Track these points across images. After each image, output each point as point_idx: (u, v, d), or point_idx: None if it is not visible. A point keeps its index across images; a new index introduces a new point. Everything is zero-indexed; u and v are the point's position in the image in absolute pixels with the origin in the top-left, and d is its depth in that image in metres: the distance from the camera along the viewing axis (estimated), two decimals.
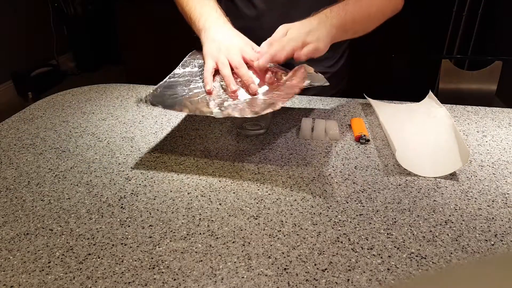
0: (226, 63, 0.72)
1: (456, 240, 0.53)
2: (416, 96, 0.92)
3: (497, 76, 1.43)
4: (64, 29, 3.45)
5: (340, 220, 0.56)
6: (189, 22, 0.85)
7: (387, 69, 2.42)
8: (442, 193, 0.62)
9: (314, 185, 0.64)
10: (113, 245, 0.52)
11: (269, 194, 0.62)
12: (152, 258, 0.50)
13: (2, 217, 0.58)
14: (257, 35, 0.95)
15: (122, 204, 0.60)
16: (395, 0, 0.85)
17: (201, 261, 0.50)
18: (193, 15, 0.83)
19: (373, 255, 0.50)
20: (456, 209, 0.59)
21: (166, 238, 0.53)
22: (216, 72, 0.73)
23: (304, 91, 0.83)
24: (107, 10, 3.30)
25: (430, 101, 0.88)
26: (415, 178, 0.66)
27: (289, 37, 0.70)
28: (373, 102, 0.88)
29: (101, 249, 0.52)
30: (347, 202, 0.60)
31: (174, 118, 0.86)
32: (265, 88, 0.72)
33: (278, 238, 0.53)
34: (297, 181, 0.65)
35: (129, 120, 0.86)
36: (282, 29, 0.72)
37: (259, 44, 0.96)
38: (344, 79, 1.07)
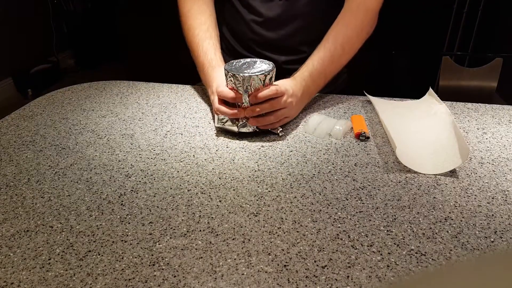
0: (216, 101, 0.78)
1: (456, 237, 0.53)
2: (416, 93, 0.92)
3: (497, 73, 1.43)
4: (64, 26, 3.44)
5: (340, 217, 0.56)
6: (189, 48, 0.93)
7: (387, 66, 2.41)
8: (442, 190, 0.62)
9: (314, 182, 0.64)
10: (113, 242, 0.53)
11: (269, 191, 0.62)
12: (152, 255, 0.50)
13: (2, 214, 0.58)
14: (256, 32, 0.95)
15: (122, 201, 0.60)
16: (365, 32, 0.89)
17: (201, 258, 0.50)
18: (192, 47, 0.91)
19: (373, 252, 0.51)
20: (456, 206, 0.59)
21: (166, 235, 0.54)
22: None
23: None
24: (106, 7, 3.29)
25: (430, 98, 0.88)
26: (415, 175, 0.66)
27: (286, 110, 0.77)
28: (373, 99, 0.88)
29: (101, 246, 0.52)
30: (347, 199, 0.60)
31: (174, 115, 0.86)
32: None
33: (278, 235, 0.53)
34: (297, 178, 0.65)
35: (129, 117, 0.86)
36: (287, 94, 0.77)
37: (260, 41, 0.97)
38: (344, 76, 1.07)
